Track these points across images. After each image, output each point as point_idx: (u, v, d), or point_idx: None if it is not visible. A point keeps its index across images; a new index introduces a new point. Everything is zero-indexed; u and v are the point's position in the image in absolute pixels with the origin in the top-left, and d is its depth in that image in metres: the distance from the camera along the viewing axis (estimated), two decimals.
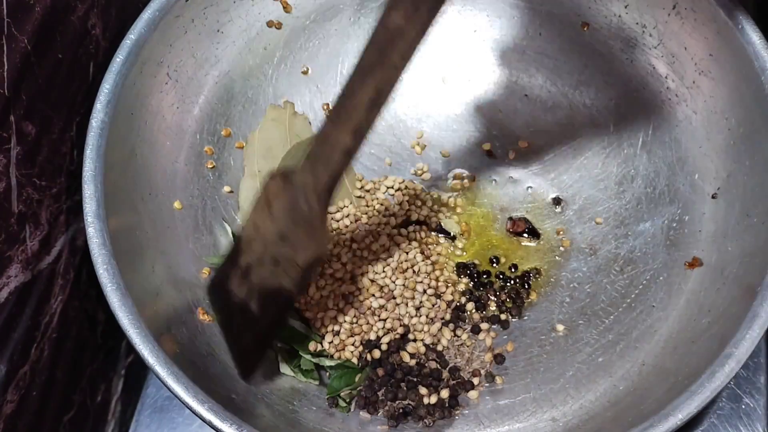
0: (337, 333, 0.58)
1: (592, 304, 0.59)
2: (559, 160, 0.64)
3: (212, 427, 0.47)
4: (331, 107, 0.44)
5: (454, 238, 0.63)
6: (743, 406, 0.59)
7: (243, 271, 0.50)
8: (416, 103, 0.67)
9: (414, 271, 0.61)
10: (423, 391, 0.55)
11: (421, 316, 0.59)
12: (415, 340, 0.58)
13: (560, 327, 0.59)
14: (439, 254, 0.62)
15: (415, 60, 0.65)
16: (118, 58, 0.55)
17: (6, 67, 0.47)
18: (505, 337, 0.59)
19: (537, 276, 0.61)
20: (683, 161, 0.59)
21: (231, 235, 0.60)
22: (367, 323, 0.58)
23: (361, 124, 0.43)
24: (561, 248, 0.62)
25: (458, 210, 0.64)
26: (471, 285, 0.61)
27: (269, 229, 0.48)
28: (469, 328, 0.59)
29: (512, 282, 0.61)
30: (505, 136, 0.66)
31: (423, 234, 0.63)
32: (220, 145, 0.63)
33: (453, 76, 0.68)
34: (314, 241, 0.47)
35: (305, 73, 0.66)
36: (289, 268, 0.48)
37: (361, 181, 0.65)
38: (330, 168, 0.45)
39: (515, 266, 0.62)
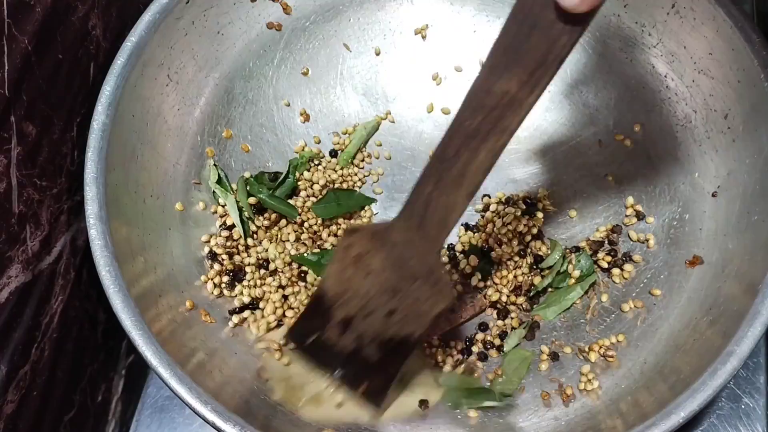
0: None
1: (593, 303, 0.59)
2: (559, 160, 0.64)
3: (215, 428, 0.48)
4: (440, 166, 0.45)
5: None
6: (743, 406, 0.59)
7: (341, 324, 0.51)
8: (414, 104, 0.68)
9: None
10: None
11: None
12: None
13: (561, 326, 0.59)
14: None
15: (415, 59, 0.67)
16: (119, 61, 0.55)
17: (6, 67, 0.47)
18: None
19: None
20: (683, 160, 0.60)
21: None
22: None
23: (474, 188, 0.44)
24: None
25: None
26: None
27: (366, 284, 0.49)
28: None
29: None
30: None
31: None
32: (221, 146, 0.63)
33: (452, 76, 0.68)
34: (438, 293, 0.48)
35: (305, 74, 0.66)
36: (413, 319, 0.49)
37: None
38: (444, 228, 0.46)
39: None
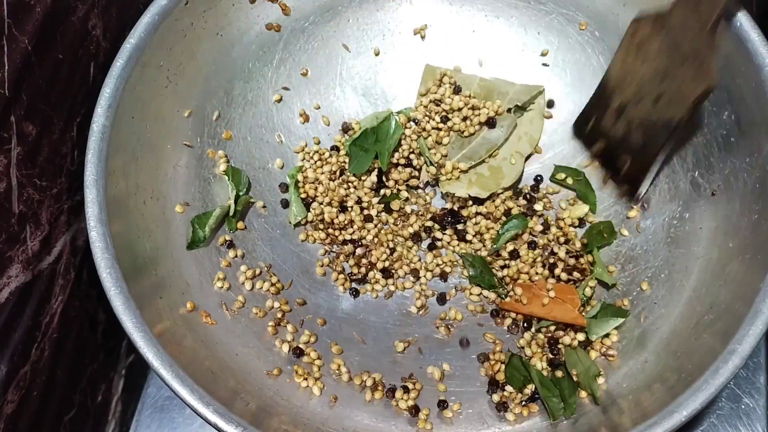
0: None
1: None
2: (559, 160, 0.65)
3: (217, 429, 0.47)
4: None
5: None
6: (743, 406, 0.59)
7: (617, 110, 0.58)
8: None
9: None
10: None
11: None
12: None
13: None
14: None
15: (415, 59, 0.67)
16: (119, 63, 0.55)
17: (6, 67, 0.48)
18: (508, 335, 0.59)
19: None
20: (683, 159, 0.59)
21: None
22: None
23: None
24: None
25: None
26: None
27: (642, 70, 0.55)
28: None
29: None
30: None
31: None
32: (221, 147, 0.63)
33: None
34: (702, 75, 0.52)
35: (305, 74, 0.66)
36: (676, 103, 0.54)
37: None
38: (714, 3, 0.50)
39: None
